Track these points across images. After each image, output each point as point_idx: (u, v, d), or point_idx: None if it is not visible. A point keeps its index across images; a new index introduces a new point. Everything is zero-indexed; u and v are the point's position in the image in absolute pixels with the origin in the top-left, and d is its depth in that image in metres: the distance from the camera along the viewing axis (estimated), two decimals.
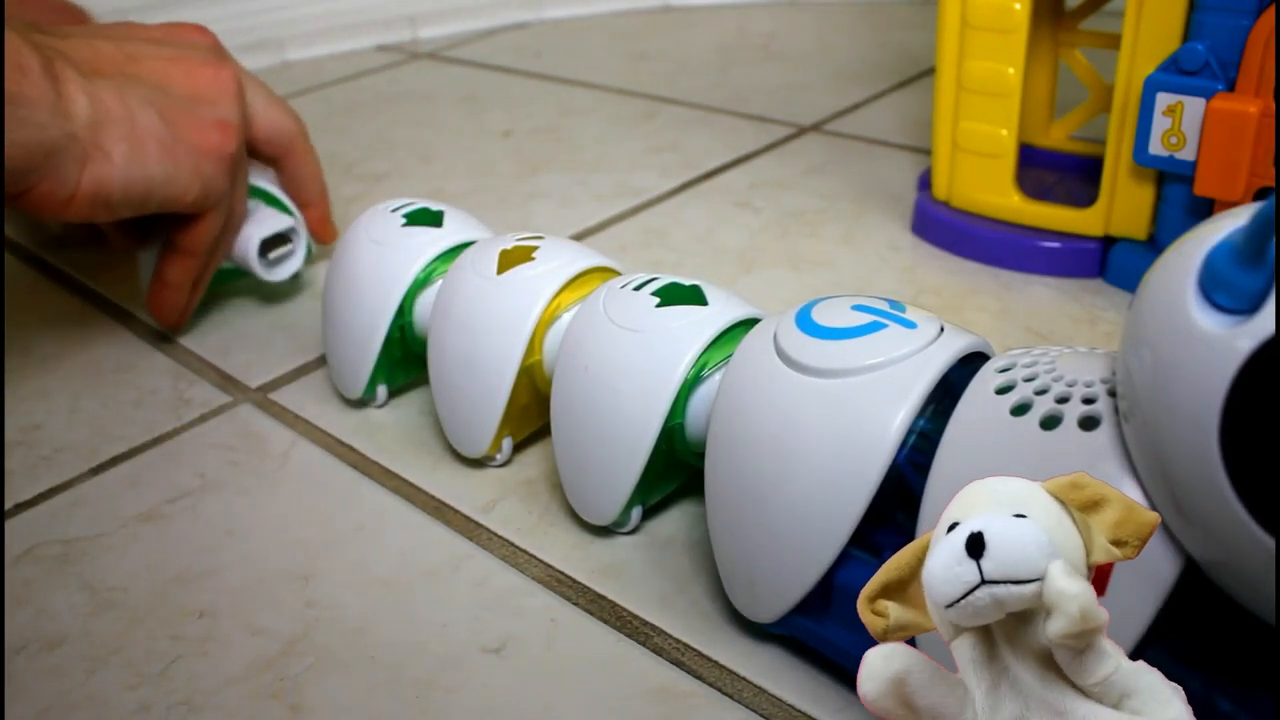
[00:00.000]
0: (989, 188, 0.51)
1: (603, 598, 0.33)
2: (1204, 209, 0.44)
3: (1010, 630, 0.18)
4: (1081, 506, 0.18)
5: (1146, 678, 0.18)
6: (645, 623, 0.32)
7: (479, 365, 0.36)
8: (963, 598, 0.18)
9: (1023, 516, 0.18)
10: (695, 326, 0.32)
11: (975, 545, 0.18)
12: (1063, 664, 0.18)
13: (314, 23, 0.95)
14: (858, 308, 0.29)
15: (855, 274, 0.51)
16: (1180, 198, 0.44)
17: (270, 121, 0.49)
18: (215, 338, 0.49)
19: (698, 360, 0.32)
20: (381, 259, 0.40)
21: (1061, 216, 0.49)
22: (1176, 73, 0.42)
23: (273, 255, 0.49)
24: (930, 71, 0.73)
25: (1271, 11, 0.39)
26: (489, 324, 0.36)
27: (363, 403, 0.43)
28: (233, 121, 0.45)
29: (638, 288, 0.34)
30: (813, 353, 0.28)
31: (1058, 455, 0.23)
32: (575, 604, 0.33)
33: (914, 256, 0.52)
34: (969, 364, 0.27)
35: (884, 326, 0.28)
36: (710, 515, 0.30)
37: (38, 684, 0.31)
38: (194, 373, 0.47)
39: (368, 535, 0.36)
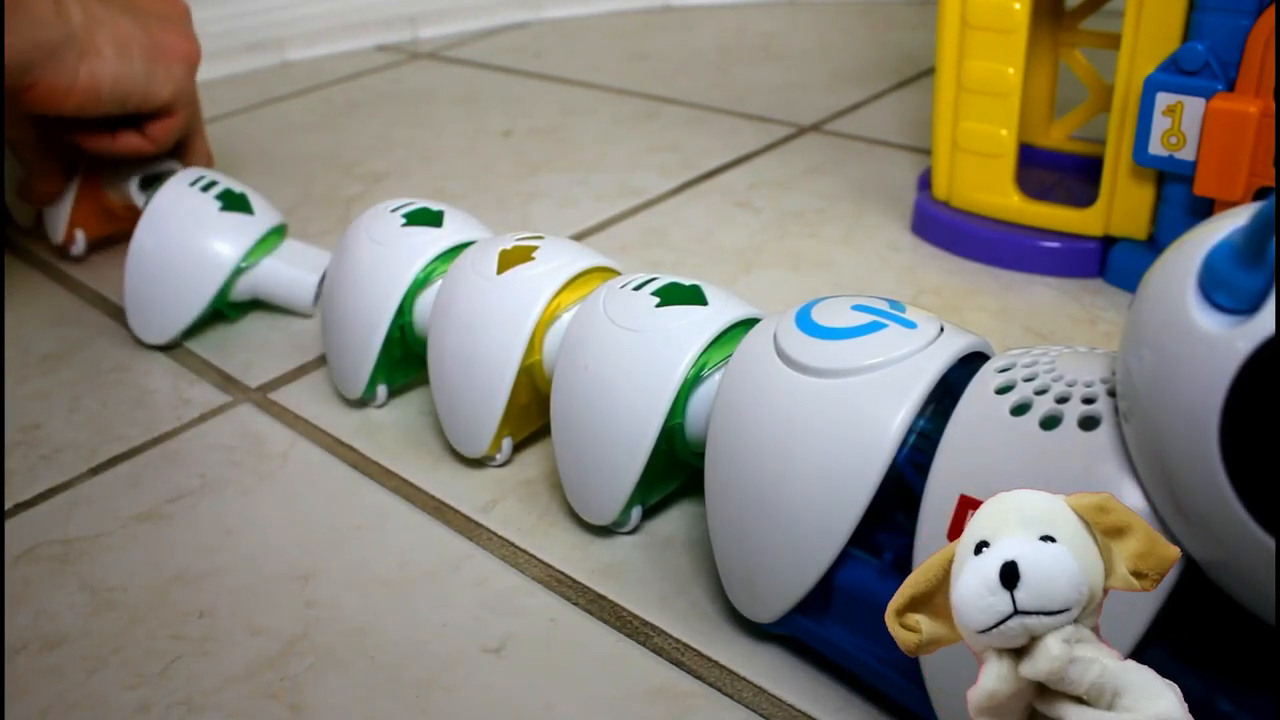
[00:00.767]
0: (989, 188, 0.51)
1: (603, 598, 0.33)
2: (1204, 209, 0.44)
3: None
4: (1105, 531, 0.18)
5: (1136, 675, 0.18)
6: (645, 623, 0.32)
7: (479, 365, 0.36)
8: (995, 626, 0.18)
9: (1050, 538, 0.18)
10: (695, 326, 0.32)
11: (1009, 576, 0.18)
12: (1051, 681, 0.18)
13: (314, 23, 0.95)
14: (858, 308, 0.29)
15: (855, 274, 0.51)
16: (1180, 198, 0.44)
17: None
18: (215, 338, 0.49)
19: (697, 360, 0.32)
20: (381, 259, 0.40)
21: (1061, 216, 0.49)
22: (1176, 73, 0.42)
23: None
24: (930, 71, 0.73)
25: (1271, 11, 0.39)
26: (489, 324, 0.36)
27: (363, 403, 0.43)
28: (194, 35, 0.52)
29: (638, 288, 0.34)
30: (813, 353, 0.28)
31: (1057, 455, 0.23)
32: (575, 604, 0.33)
33: (914, 256, 0.52)
34: (969, 364, 0.27)
35: (884, 326, 0.28)
36: (710, 515, 0.30)
37: (38, 684, 0.31)
38: (194, 373, 0.47)
39: (368, 535, 0.36)
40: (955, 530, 0.24)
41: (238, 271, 0.48)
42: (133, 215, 0.49)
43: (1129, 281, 0.48)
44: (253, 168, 0.69)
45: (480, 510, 0.37)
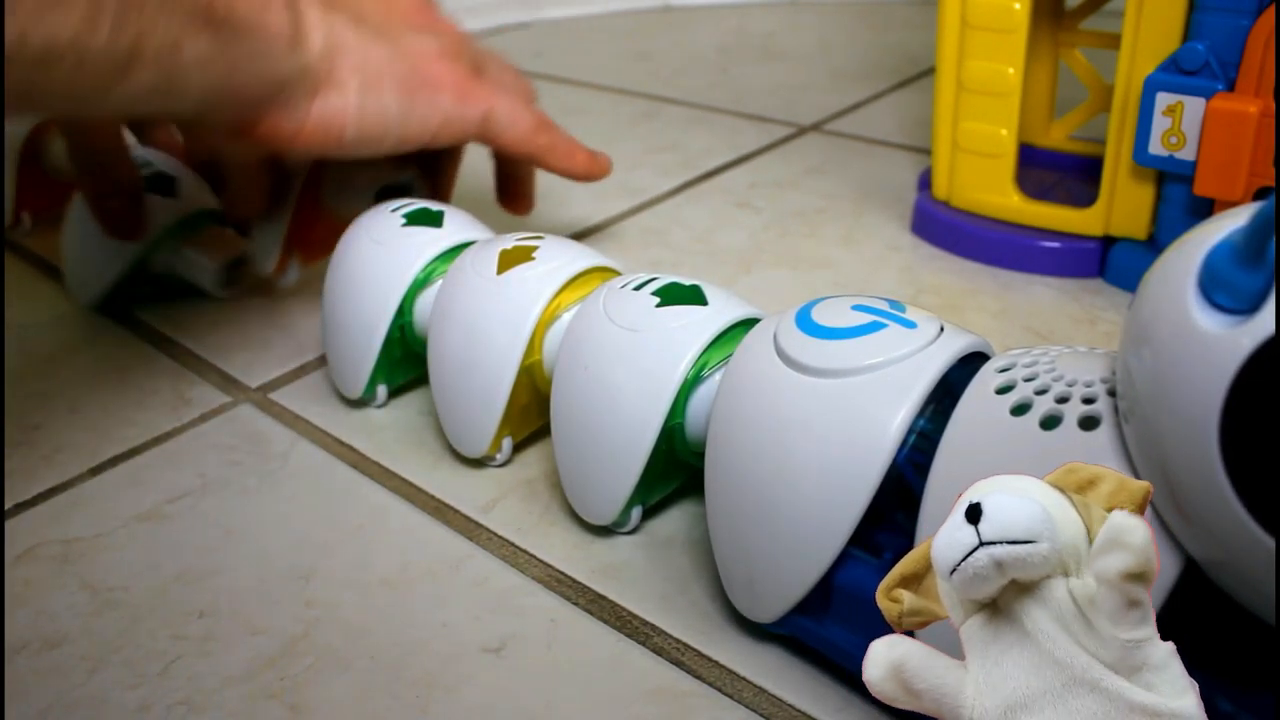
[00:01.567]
0: (989, 188, 0.51)
1: (603, 598, 0.33)
2: (1204, 209, 0.44)
3: (1023, 603, 0.19)
4: (1077, 488, 0.19)
5: (1171, 661, 0.19)
6: (645, 623, 0.32)
7: (479, 365, 0.36)
8: (962, 560, 0.19)
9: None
10: (695, 326, 0.32)
11: (973, 512, 0.19)
12: (1108, 611, 0.18)
13: None
14: (858, 308, 0.29)
15: (855, 274, 0.51)
16: (1180, 198, 0.44)
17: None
18: (215, 338, 0.49)
19: (697, 360, 0.32)
20: (381, 259, 0.40)
21: (1061, 216, 0.49)
22: (1176, 72, 0.42)
23: None
24: (930, 71, 0.73)
25: (1271, 11, 0.39)
26: (489, 324, 0.36)
27: (363, 403, 0.43)
28: (465, 56, 0.44)
29: (638, 288, 0.34)
30: (813, 353, 0.28)
31: (1057, 455, 0.23)
32: (575, 604, 0.33)
33: (914, 256, 0.52)
34: (969, 364, 0.27)
35: (884, 326, 0.28)
36: (710, 515, 0.30)
37: (38, 684, 0.31)
38: (194, 373, 0.47)
39: (368, 535, 0.36)
40: None
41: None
42: None
43: (1129, 281, 0.48)
44: None
45: (480, 510, 0.37)
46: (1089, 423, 0.23)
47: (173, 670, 0.31)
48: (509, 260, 0.37)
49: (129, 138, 0.52)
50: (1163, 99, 0.42)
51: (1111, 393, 0.24)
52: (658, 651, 0.31)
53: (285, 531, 0.36)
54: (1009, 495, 0.19)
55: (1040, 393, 0.25)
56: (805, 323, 0.29)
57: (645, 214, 0.59)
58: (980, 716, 0.19)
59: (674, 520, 0.36)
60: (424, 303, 0.40)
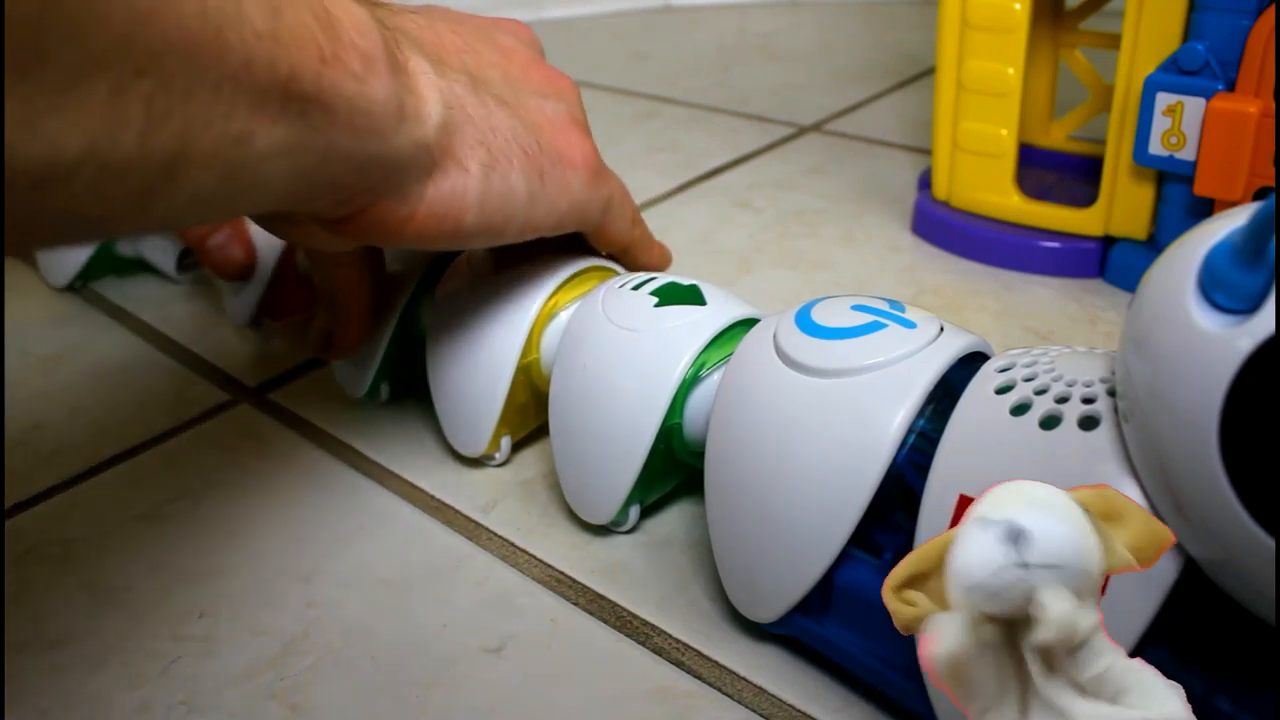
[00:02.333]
0: (989, 188, 0.51)
1: (603, 598, 0.33)
2: (1204, 209, 0.44)
3: (1011, 633, 0.19)
4: (1104, 516, 0.19)
5: (1142, 675, 0.18)
6: (645, 623, 0.32)
7: (476, 364, 0.36)
8: (995, 580, 0.18)
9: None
10: (693, 326, 0.32)
11: (1015, 534, 0.18)
12: (1057, 659, 0.18)
13: None
14: (857, 308, 0.29)
15: (855, 274, 0.51)
16: (1180, 198, 0.44)
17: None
18: (215, 338, 0.49)
19: (696, 360, 0.32)
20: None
21: (1061, 216, 0.49)
22: (1176, 73, 0.42)
23: None
24: (930, 71, 0.73)
25: (1271, 11, 0.39)
26: (486, 322, 0.36)
27: (363, 402, 0.43)
28: (586, 124, 0.37)
29: (636, 287, 0.34)
30: (812, 353, 0.28)
31: (1057, 455, 0.23)
32: (575, 604, 0.33)
33: (914, 256, 0.52)
34: (969, 364, 0.27)
35: (884, 326, 0.28)
36: (710, 515, 0.30)
37: (38, 684, 0.31)
38: (194, 373, 0.47)
39: (368, 535, 0.36)
40: None
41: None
42: None
43: (1129, 281, 0.48)
44: None
45: (480, 510, 0.37)
46: (1089, 423, 0.23)
47: (173, 670, 0.31)
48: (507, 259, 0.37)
49: None
50: (1163, 99, 0.42)
51: (1111, 393, 0.24)
52: (658, 651, 0.31)
53: (285, 531, 0.36)
54: (1050, 519, 0.18)
55: (1040, 393, 0.25)
56: (805, 323, 0.29)
57: (645, 214, 0.59)
58: None
59: (673, 520, 0.36)
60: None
